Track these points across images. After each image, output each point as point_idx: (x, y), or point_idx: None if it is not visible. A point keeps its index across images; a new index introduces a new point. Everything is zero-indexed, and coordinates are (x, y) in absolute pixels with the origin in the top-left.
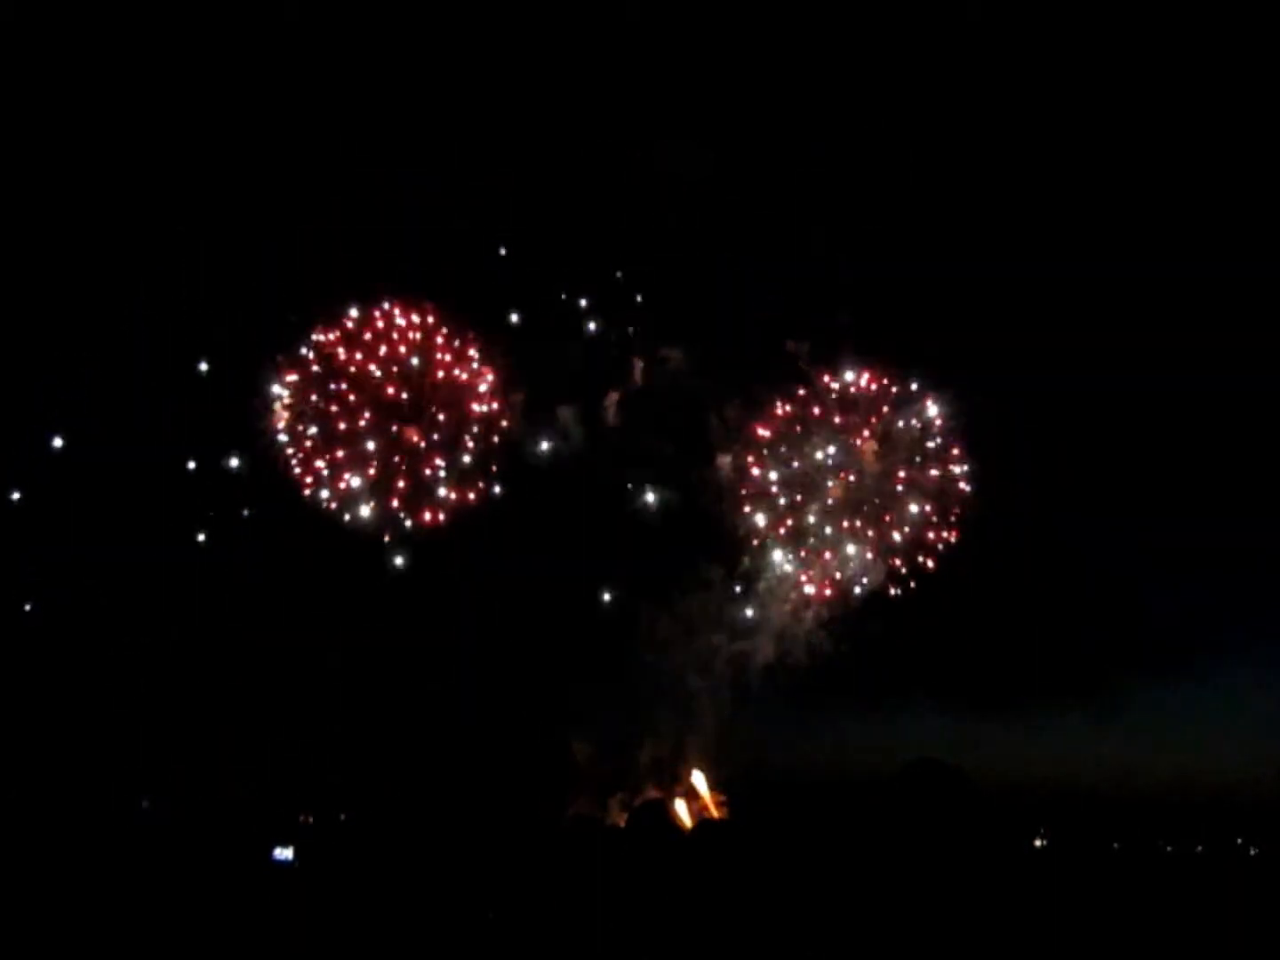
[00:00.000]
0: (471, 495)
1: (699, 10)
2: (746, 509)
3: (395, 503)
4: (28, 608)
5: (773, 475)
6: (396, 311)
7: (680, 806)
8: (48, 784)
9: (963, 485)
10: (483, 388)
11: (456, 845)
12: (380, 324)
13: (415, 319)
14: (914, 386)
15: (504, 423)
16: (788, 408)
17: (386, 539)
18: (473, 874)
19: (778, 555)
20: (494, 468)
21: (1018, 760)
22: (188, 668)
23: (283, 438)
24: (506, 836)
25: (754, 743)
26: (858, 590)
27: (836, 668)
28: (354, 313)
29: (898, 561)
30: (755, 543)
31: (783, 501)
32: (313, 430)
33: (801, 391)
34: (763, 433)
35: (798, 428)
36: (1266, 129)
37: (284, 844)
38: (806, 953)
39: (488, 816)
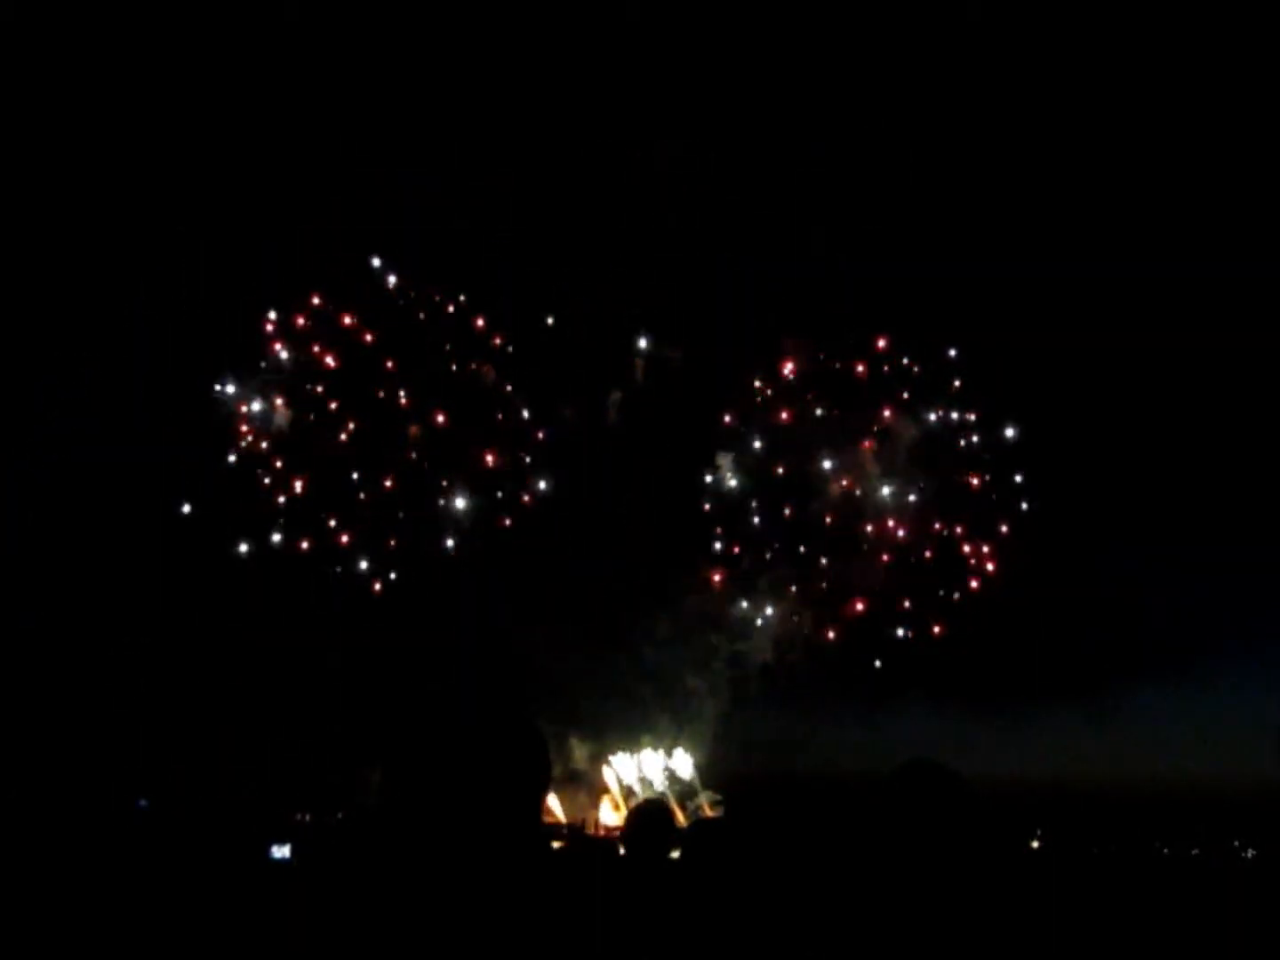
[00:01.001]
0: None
1: (698, 10)
2: (719, 530)
3: (391, 544)
4: (25, 607)
5: (733, 483)
6: (391, 279)
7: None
8: (44, 781)
9: (1013, 499)
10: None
11: (455, 844)
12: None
13: (413, 294)
14: (952, 352)
15: (540, 434)
16: (769, 393)
17: (378, 587)
18: (471, 873)
19: (745, 605)
20: (525, 498)
21: (1015, 761)
22: (186, 667)
23: (231, 458)
24: (504, 836)
25: (750, 742)
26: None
27: (834, 667)
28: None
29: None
30: (716, 580)
31: (757, 520)
32: (264, 445)
33: (789, 367)
34: (730, 421)
35: (784, 415)
36: (1267, 129)
37: (281, 842)
38: (803, 953)
39: (485, 816)
